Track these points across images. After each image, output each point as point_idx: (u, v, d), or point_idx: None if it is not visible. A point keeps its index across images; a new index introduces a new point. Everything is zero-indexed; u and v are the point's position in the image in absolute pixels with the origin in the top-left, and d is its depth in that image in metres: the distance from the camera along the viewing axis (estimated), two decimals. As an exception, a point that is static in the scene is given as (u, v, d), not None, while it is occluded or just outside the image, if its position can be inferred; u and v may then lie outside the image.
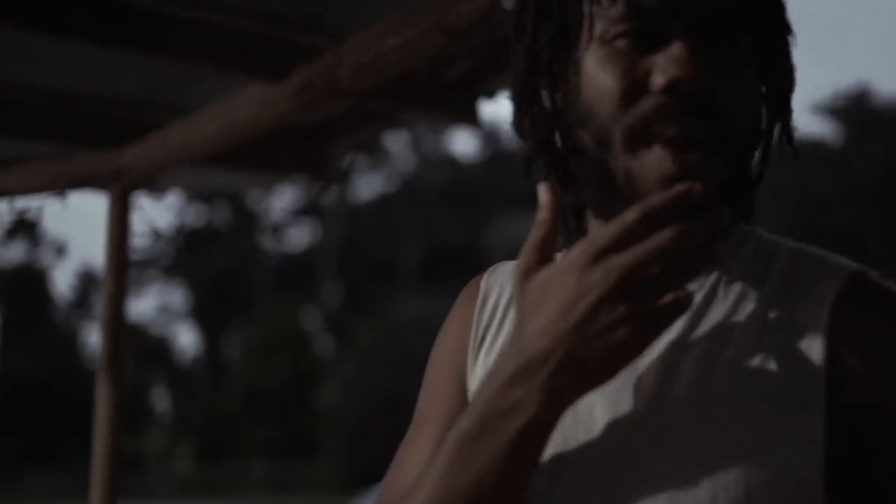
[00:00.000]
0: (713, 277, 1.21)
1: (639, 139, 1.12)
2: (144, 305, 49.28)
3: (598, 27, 1.15)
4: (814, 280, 1.18)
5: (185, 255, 49.49)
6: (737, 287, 1.20)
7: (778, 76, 1.23)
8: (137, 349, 44.98)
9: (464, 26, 3.27)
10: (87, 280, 51.18)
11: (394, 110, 4.18)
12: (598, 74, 1.15)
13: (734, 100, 1.14)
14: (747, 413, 1.11)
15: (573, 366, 1.07)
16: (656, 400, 1.15)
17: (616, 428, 1.16)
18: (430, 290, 44.86)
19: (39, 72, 4.17)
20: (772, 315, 1.17)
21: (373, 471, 33.91)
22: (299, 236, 51.61)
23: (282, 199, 50.31)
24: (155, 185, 4.79)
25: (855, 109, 45.33)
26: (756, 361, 1.14)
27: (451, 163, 51.04)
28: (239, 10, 3.71)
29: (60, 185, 4.77)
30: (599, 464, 1.15)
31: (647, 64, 1.13)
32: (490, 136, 47.79)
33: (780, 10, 1.21)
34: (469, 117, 4.18)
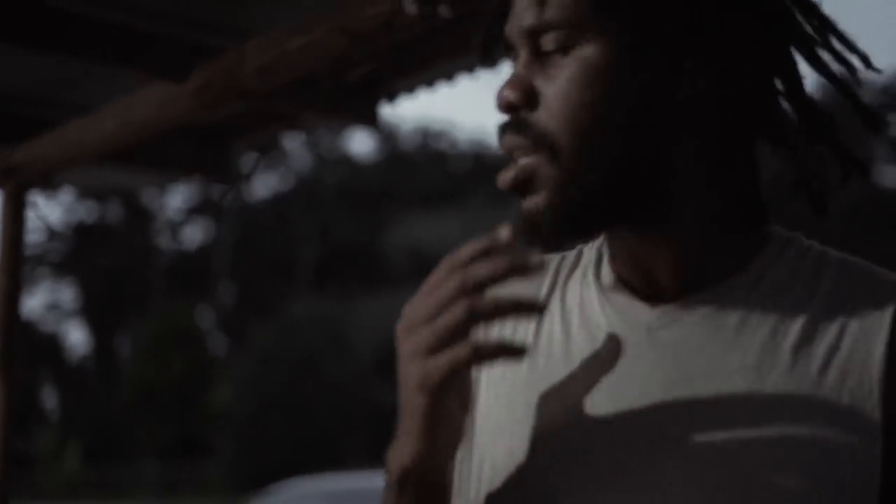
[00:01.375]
0: (751, 283, 1.16)
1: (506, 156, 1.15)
2: (34, 303, 48.45)
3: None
4: (868, 296, 1.14)
5: (77, 252, 48.86)
6: (783, 297, 1.16)
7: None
8: (26, 347, 44.36)
9: (366, 30, 3.30)
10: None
11: (295, 112, 4.20)
12: None
13: (554, 108, 1.12)
14: (803, 428, 1.08)
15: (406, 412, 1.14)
16: (709, 415, 1.11)
17: (654, 447, 1.12)
18: (326, 290, 44.78)
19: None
20: (824, 328, 1.13)
21: (267, 471, 33.74)
22: (194, 234, 51.14)
23: (176, 197, 49.86)
24: (50, 183, 4.75)
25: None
26: (808, 377, 1.10)
27: (347, 162, 50.97)
28: (139, 8, 3.70)
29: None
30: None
31: None
32: (387, 136, 47.87)
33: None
34: (369, 119, 4.20)
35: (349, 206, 47.35)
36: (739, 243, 1.18)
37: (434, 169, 45.44)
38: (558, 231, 1.12)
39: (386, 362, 43.16)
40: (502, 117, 1.14)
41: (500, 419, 1.22)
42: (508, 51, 1.18)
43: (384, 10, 3.18)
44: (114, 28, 3.76)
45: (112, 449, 43.94)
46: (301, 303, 44.22)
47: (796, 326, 1.12)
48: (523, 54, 1.14)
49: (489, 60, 1.26)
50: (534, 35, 1.13)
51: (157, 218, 50.29)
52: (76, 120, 4.34)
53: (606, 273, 1.22)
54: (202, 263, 48.63)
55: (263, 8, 3.65)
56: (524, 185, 1.12)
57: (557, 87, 1.11)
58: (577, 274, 1.26)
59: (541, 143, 1.11)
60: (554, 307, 1.25)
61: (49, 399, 48.42)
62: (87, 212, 47.48)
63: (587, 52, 1.10)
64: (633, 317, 1.17)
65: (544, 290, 1.27)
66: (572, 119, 1.10)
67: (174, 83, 3.87)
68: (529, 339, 1.24)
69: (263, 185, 48.91)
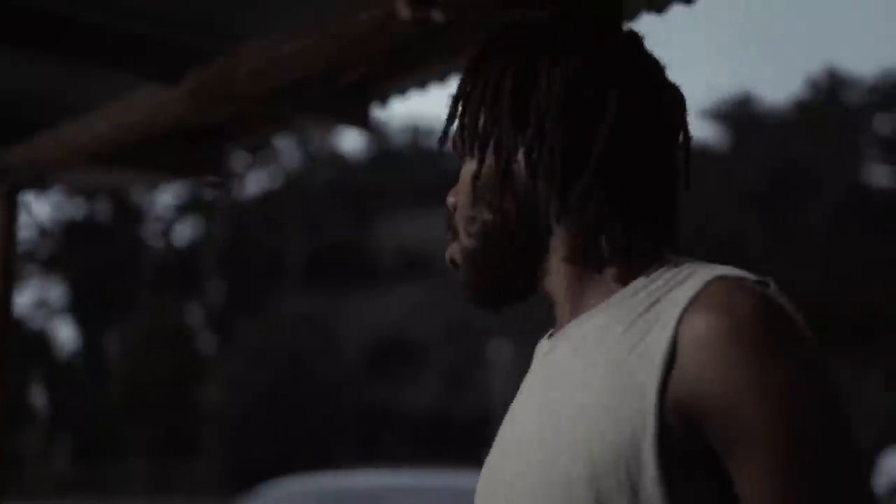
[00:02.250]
0: (603, 309, 1.40)
1: None
2: (22, 300, 48.36)
3: None
4: (674, 301, 1.30)
5: (65, 250, 48.76)
6: (611, 307, 1.40)
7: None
8: (14, 345, 44.12)
9: (359, 34, 3.32)
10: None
11: (286, 114, 4.21)
12: None
13: (460, 202, 1.51)
14: (597, 416, 1.30)
15: None
16: (541, 422, 1.38)
17: (512, 442, 1.44)
18: (316, 288, 44.74)
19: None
20: (635, 332, 1.32)
21: (256, 469, 33.71)
22: (183, 232, 51.07)
23: (166, 195, 49.78)
24: (43, 184, 4.76)
25: (738, 114, 46.13)
26: (613, 377, 1.31)
27: (337, 160, 50.95)
28: (132, 11, 3.71)
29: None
30: (495, 472, 1.45)
31: None
32: (376, 134, 47.82)
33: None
34: (361, 121, 4.22)
35: (339, 204, 47.32)
36: (605, 284, 1.42)
37: (424, 167, 45.41)
38: (476, 300, 1.50)
39: (376, 360, 43.16)
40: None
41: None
42: None
43: (377, 14, 3.20)
44: (107, 31, 3.77)
45: (101, 447, 43.86)
46: (291, 301, 44.19)
47: (612, 338, 1.34)
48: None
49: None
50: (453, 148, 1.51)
51: (146, 216, 50.21)
52: (69, 122, 4.35)
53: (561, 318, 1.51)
54: (191, 261, 48.57)
55: (257, 11, 3.67)
56: (453, 264, 1.51)
57: (461, 190, 1.50)
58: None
59: (453, 234, 1.50)
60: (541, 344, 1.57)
61: (38, 397, 48.33)
62: (76, 209, 47.42)
63: (467, 167, 1.49)
64: (541, 350, 1.52)
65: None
66: (463, 213, 1.49)
67: (167, 86, 3.89)
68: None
69: (253, 183, 48.85)
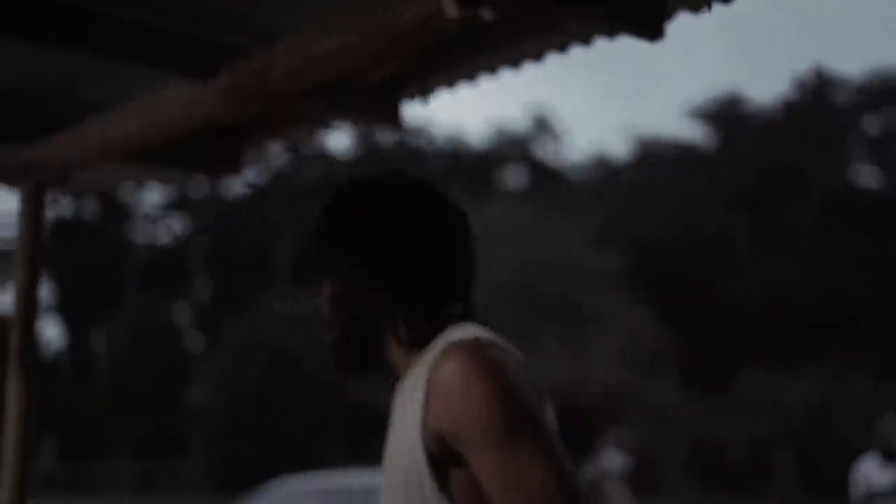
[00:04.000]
0: (413, 368, 2.12)
1: None
2: (7, 298, 48.12)
3: None
4: (431, 358, 2.01)
5: (52, 248, 48.59)
6: (411, 372, 2.12)
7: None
8: None
9: (402, 32, 3.31)
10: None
11: (318, 113, 4.20)
12: None
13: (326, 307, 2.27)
14: (400, 452, 2.04)
15: None
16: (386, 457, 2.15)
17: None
18: (303, 287, 44.64)
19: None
20: (410, 391, 2.05)
21: (243, 468, 33.67)
22: (169, 230, 50.92)
23: (153, 193, 49.63)
24: (69, 182, 4.74)
25: (726, 114, 46.18)
26: (400, 423, 2.07)
27: (324, 158, 50.86)
28: (164, 7, 3.70)
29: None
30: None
31: None
32: (364, 132, 47.72)
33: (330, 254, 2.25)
34: (392, 120, 4.21)
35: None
36: (412, 355, 2.15)
37: (411, 166, 45.36)
38: (343, 370, 2.24)
39: (363, 359, 43.03)
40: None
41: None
42: None
43: (422, 12, 3.20)
44: (139, 27, 3.76)
45: (87, 445, 43.74)
46: (278, 299, 44.10)
47: (407, 391, 2.08)
48: None
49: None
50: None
51: (132, 213, 50.08)
52: (96, 118, 4.34)
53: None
54: (178, 260, 48.47)
55: (292, 9, 3.66)
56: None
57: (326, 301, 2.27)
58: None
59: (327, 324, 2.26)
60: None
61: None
62: (62, 207, 47.23)
63: (322, 291, 2.25)
64: (395, 397, 2.19)
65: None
66: (328, 315, 2.25)
67: (201, 83, 3.88)
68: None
69: (240, 182, 48.72)
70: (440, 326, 2.11)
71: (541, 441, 1.85)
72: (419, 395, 1.97)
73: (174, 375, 44.38)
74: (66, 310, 49.69)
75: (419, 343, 2.12)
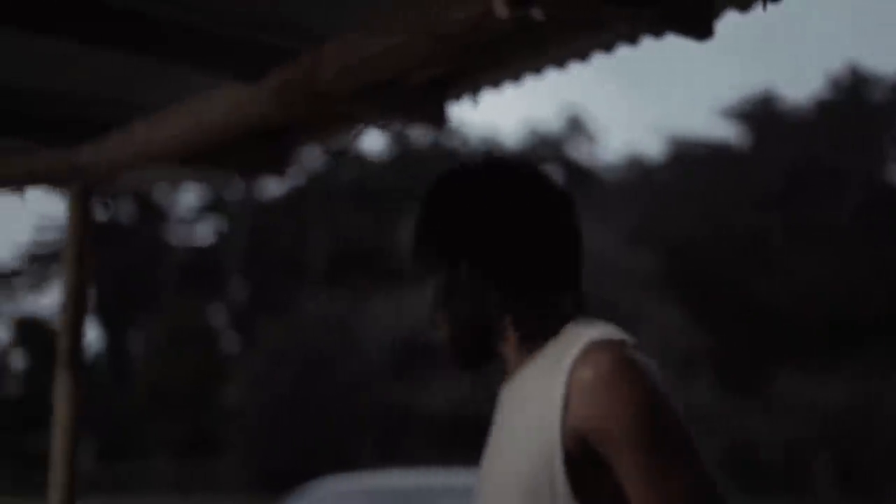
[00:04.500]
0: (532, 363, 2.06)
1: None
2: (47, 301, 48.47)
3: None
4: (565, 358, 1.95)
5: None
6: (538, 369, 2.03)
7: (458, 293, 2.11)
8: (39, 345, 44.23)
9: (451, 33, 3.31)
10: (-12, 275, 50.29)
11: (364, 113, 4.20)
12: None
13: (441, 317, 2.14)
14: (521, 451, 1.97)
15: None
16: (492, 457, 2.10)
17: (487, 460, 2.12)
18: (338, 288, 44.71)
19: (1, 67, 4.13)
20: (541, 384, 1.98)
21: (278, 468, 33.75)
22: (206, 232, 51.11)
23: (188, 195, 49.84)
24: (116, 184, 4.76)
25: (761, 114, 45.96)
26: (529, 419, 1.97)
27: (360, 160, 50.92)
28: (212, 9, 3.71)
29: (19, 183, 4.73)
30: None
31: None
32: (399, 134, 47.70)
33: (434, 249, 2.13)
34: (437, 120, 4.21)
35: (361, 204, 47.30)
36: (536, 345, 2.07)
37: (446, 167, 45.14)
38: (456, 367, 2.13)
39: (398, 361, 43.13)
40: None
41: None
42: None
43: (472, 12, 3.20)
44: (187, 28, 3.77)
45: (125, 447, 43.94)
46: (313, 301, 44.18)
47: (532, 389, 2.00)
48: None
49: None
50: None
51: (169, 215, 50.25)
52: (142, 121, 4.36)
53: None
54: (214, 261, 48.61)
55: (340, 9, 3.66)
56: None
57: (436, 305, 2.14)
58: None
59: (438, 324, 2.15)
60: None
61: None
62: (101, 210, 47.41)
63: (429, 283, 2.14)
64: (500, 394, 2.16)
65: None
66: (440, 317, 2.14)
67: (249, 84, 3.90)
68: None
69: (275, 183, 48.83)
70: (556, 319, 2.06)
71: (686, 445, 1.87)
72: (557, 395, 1.91)
73: (210, 376, 44.53)
74: (103, 312, 49.91)
75: (534, 336, 2.07)
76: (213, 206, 49.32)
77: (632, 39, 3.77)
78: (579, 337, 1.98)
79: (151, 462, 43.33)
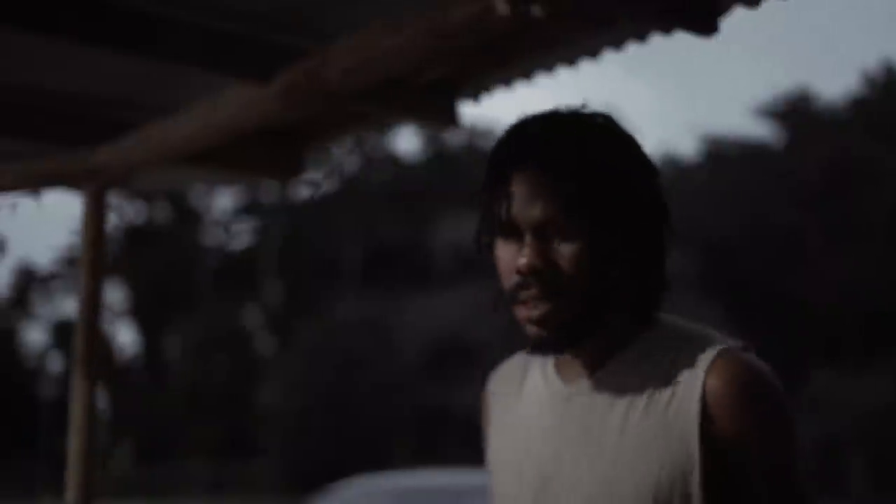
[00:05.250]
0: (626, 363, 1.84)
1: (513, 298, 1.80)
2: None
3: (498, 226, 1.82)
4: (692, 363, 1.78)
5: (126, 253, 49.11)
6: (642, 369, 1.82)
7: (619, 243, 1.79)
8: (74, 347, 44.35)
9: (455, 31, 3.32)
10: (25, 278, 50.68)
11: (375, 113, 4.21)
12: (498, 257, 1.83)
13: (563, 271, 1.76)
14: (647, 465, 1.76)
15: None
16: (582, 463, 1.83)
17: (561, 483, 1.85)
18: (372, 289, 44.80)
19: (16, 69, 4.16)
20: (663, 390, 1.79)
21: (314, 470, 33.81)
22: (241, 234, 51.27)
23: (224, 198, 50.02)
24: (131, 185, 4.79)
25: (796, 112, 45.74)
26: (651, 428, 1.77)
27: (393, 161, 50.99)
28: (222, 10, 3.72)
29: (35, 184, 4.76)
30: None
31: (518, 252, 1.78)
32: (433, 134, 47.78)
33: (611, 203, 1.78)
34: (449, 119, 4.22)
35: (395, 206, 47.36)
36: (625, 336, 1.85)
37: (480, 167, 45.06)
38: (560, 345, 1.81)
39: (432, 362, 43.14)
40: (517, 276, 1.78)
41: (502, 462, 1.96)
42: (509, 229, 1.80)
43: (474, 10, 3.20)
44: (197, 30, 3.78)
45: (161, 448, 44.16)
46: (347, 302, 44.27)
47: (646, 391, 1.80)
48: (531, 233, 1.77)
49: (483, 245, 1.89)
50: (539, 225, 1.76)
51: (204, 217, 50.48)
52: (158, 121, 4.38)
53: (550, 369, 1.93)
54: (249, 263, 48.78)
55: (348, 10, 3.67)
56: (540, 321, 1.78)
57: (563, 262, 1.77)
58: (535, 372, 1.97)
59: (552, 296, 1.77)
60: (528, 390, 1.97)
61: (100, 399, 48.71)
62: (135, 213, 47.75)
63: (574, 245, 1.76)
64: (559, 392, 1.89)
65: (518, 377, 2.02)
66: (571, 284, 1.77)
67: (258, 85, 3.91)
68: (514, 410, 1.98)
69: (307, 184, 48.90)
70: (652, 310, 1.86)
71: (800, 461, 1.82)
72: (692, 406, 1.76)
73: (245, 378, 44.68)
74: (139, 315, 50.20)
75: (635, 325, 1.85)
76: (249, 209, 49.51)
77: (640, 37, 3.75)
78: (693, 339, 1.84)
79: (187, 463, 43.52)
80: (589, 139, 1.81)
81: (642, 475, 1.76)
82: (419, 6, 3.39)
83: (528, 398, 1.97)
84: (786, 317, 39.37)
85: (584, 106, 1.88)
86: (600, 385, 1.85)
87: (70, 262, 47.02)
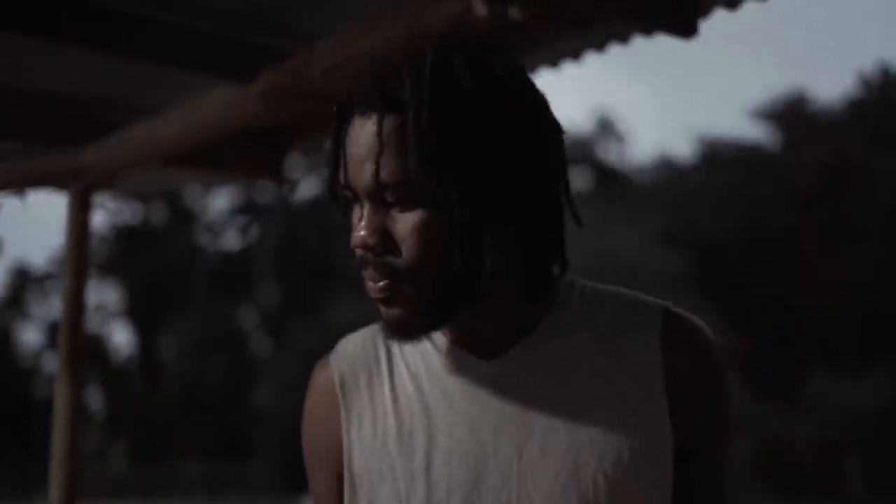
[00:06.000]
0: (553, 327, 1.57)
1: (360, 275, 1.57)
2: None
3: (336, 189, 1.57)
4: (639, 318, 1.56)
5: (121, 254, 49.10)
6: (576, 330, 1.56)
7: (454, 211, 1.47)
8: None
9: (435, 30, 3.32)
10: (20, 278, 50.66)
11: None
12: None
13: (400, 250, 1.50)
14: (609, 425, 1.50)
15: None
16: (525, 426, 1.52)
17: (499, 450, 1.52)
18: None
19: (1, 70, 4.17)
20: (609, 348, 1.54)
21: (310, 471, 33.75)
22: (236, 235, 51.26)
23: (219, 199, 50.00)
24: (115, 185, 4.79)
25: (792, 114, 45.76)
26: (603, 389, 1.52)
27: (389, 163, 50.81)
28: (205, 12, 3.74)
29: (20, 184, 4.76)
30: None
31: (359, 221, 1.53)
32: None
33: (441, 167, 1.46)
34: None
35: (391, 207, 47.27)
36: (539, 305, 1.58)
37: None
38: (414, 330, 1.55)
39: (428, 362, 43.10)
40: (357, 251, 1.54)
41: (381, 469, 1.58)
42: (350, 194, 1.55)
43: (453, 11, 3.21)
44: (180, 31, 3.80)
45: (156, 449, 44.12)
46: (343, 303, 44.26)
47: (589, 351, 1.54)
48: (368, 203, 1.52)
49: (338, 207, 1.60)
50: (375, 191, 1.49)
51: (199, 218, 50.46)
52: (142, 122, 4.39)
53: (441, 341, 1.62)
54: (244, 264, 48.77)
55: (329, 10, 3.69)
56: (385, 301, 1.54)
57: (402, 237, 1.49)
58: (409, 347, 1.66)
59: (392, 276, 1.51)
60: (401, 371, 1.65)
61: (94, 399, 48.73)
62: (130, 213, 47.77)
63: (418, 215, 1.48)
64: (475, 371, 1.56)
65: (382, 360, 1.70)
66: (412, 262, 1.49)
67: (240, 85, 3.92)
68: (388, 401, 1.63)
69: (305, 186, 48.94)
70: (546, 281, 1.56)
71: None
72: (655, 375, 1.51)
73: (241, 379, 44.65)
74: (135, 315, 50.17)
75: (531, 293, 1.56)
76: (244, 210, 49.49)
77: (622, 38, 3.77)
78: (622, 298, 1.60)
79: (182, 464, 43.49)
80: (440, 76, 1.48)
81: (611, 460, 1.46)
82: (398, 8, 3.40)
83: (414, 381, 1.63)
84: (782, 319, 39.38)
85: (484, 45, 1.56)
86: (532, 357, 1.55)
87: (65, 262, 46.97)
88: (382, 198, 1.50)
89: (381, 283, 1.54)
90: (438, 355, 1.61)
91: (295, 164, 4.73)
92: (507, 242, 1.51)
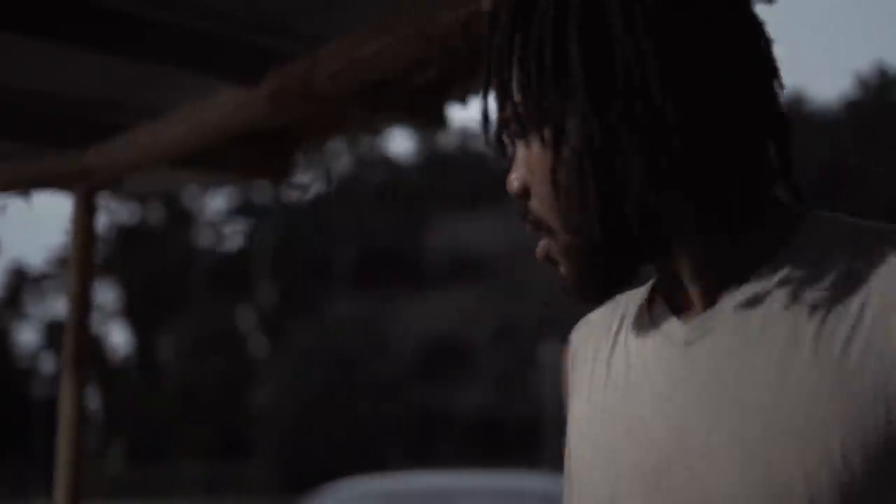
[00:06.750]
0: (772, 280, 1.19)
1: None
2: (76, 304, 48.60)
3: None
4: (891, 270, 1.14)
5: (119, 254, 49.12)
6: (806, 284, 1.17)
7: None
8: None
9: (442, 33, 3.32)
10: (18, 278, 50.64)
11: (365, 116, 4.22)
12: None
13: (540, 202, 1.23)
14: (825, 411, 1.11)
15: None
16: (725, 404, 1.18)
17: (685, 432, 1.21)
18: (366, 291, 44.83)
19: (4, 70, 4.16)
20: (845, 309, 1.14)
21: (307, 471, 33.84)
22: (234, 235, 51.28)
23: (217, 199, 50.04)
24: (120, 187, 4.79)
25: (790, 114, 45.74)
26: (829, 361, 1.13)
27: (387, 163, 51.01)
28: (212, 13, 3.73)
29: (24, 186, 4.76)
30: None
31: None
32: (426, 136, 47.82)
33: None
34: (439, 122, 4.22)
35: (389, 207, 47.39)
36: (755, 243, 1.22)
37: (473, 169, 45.40)
38: (587, 291, 1.27)
39: (425, 363, 43.19)
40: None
41: (583, 455, 1.33)
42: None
43: (462, 13, 3.20)
44: (186, 32, 3.79)
45: (154, 449, 44.16)
46: (340, 303, 44.30)
47: (818, 312, 1.14)
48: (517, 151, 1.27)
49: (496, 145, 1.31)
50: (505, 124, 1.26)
51: (197, 219, 50.48)
52: (147, 123, 4.38)
53: (658, 302, 1.30)
54: (242, 264, 48.79)
55: (336, 12, 3.68)
56: (549, 261, 1.26)
57: (536, 180, 1.23)
58: (634, 313, 1.34)
59: (540, 227, 1.25)
60: (620, 340, 1.34)
61: (92, 400, 48.72)
62: (128, 214, 47.76)
63: (533, 155, 1.23)
64: (671, 336, 1.25)
65: (615, 326, 1.37)
66: (551, 207, 1.22)
67: (246, 87, 3.91)
68: (601, 376, 1.34)
69: (297, 186, 48.86)
70: (759, 217, 1.23)
71: None
72: (891, 346, 1.09)
73: (239, 379, 44.71)
74: (133, 315, 50.18)
75: (753, 231, 1.22)
76: (242, 210, 49.51)
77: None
78: (877, 237, 1.18)
79: (180, 464, 43.53)
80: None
81: (815, 457, 1.10)
82: (407, 9, 3.40)
83: (626, 352, 1.32)
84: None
85: None
86: (735, 317, 1.20)
87: (62, 262, 47.00)
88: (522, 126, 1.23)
89: (541, 240, 1.26)
90: (650, 318, 1.30)
91: (302, 166, 4.72)
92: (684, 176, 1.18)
